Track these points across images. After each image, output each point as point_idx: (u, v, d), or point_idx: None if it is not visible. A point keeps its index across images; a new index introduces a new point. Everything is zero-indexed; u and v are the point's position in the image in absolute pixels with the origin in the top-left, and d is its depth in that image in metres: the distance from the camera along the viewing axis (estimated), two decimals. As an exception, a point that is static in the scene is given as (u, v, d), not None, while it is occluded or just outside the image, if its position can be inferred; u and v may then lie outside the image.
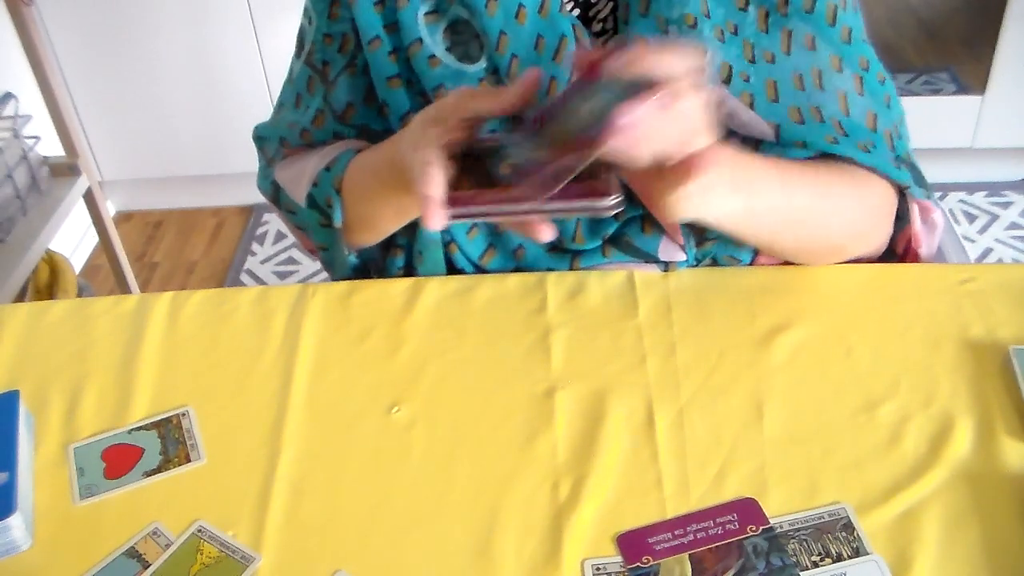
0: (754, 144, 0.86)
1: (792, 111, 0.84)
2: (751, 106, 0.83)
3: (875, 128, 0.85)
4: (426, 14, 0.87)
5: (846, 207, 0.85)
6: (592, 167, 0.65)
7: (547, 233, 0.70)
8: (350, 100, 0.91)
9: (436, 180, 0.68)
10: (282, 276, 2.35)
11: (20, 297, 1.75)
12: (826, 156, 0.84)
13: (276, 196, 0.98)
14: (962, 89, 2.32)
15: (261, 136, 1.00)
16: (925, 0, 2.36)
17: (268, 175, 0.99)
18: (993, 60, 2.21)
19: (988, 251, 2.22)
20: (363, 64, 0.90)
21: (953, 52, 2.36)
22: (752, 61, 0.84)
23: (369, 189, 0.87)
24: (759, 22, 0.84)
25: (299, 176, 0.94)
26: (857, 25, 0.86)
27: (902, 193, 0.88)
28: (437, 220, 0.68)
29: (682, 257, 0.89)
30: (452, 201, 0.68)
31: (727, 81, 0.83)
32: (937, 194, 2.44)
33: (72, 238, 2.40)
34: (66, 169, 1.92)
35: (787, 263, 0.92)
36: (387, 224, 0.90)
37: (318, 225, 0.93)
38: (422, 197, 0.68)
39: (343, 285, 0.91)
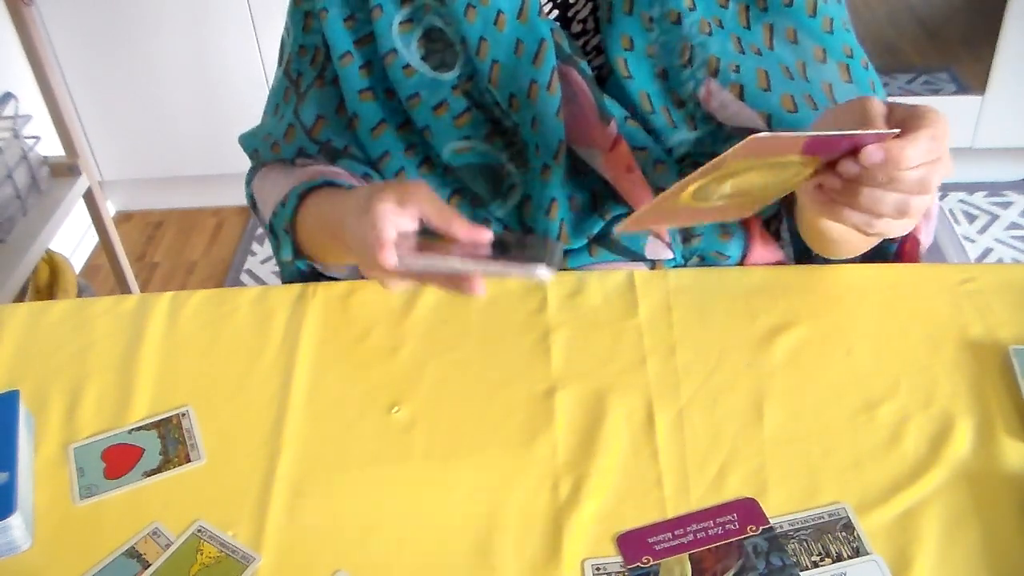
0: (746, 134, 0.86)
1: (785, 99, 0.84)
2: (740, 97, 0.84)
3: None
4: (400, 23, 0.88)
5: None
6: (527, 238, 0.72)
7: (480, 289, 0.73)
8: (320, 113, 0.92)
9: (390, 256, 0.72)
10: (282, 276, 2.35)
11: (20, 297, 1.75)
12: None
13: (254, 204, 1.00)
14: (962, 89, 2.32)
15: (242, 147, 1.02)
16: (925, 0, 2.36)
17: (250, 181, 1.02)
18: (993, 60, 2.21)
19: (988, 251, 2.22)
20: (332, 76, 0.91)
21: (953, 52, 2.36)
22: (741, 52, 0.85)
23: (324, 242, 0.88)
24: (740, 18, 0.85)
25: (266, 198, 0.96)
26: (839, 15, 0.87)
27: None
28: (398, 286, 0.74)
29: (669, 255, 0.89)
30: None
31: (715, 73, 0.84)
32: (937, 194, 2.45)
33: (72, 238, 2.40)
34: (66, 169, 1.91)
35: (781, 263, 0.92)
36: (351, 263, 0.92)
37: (275, 248, 0.94)
38: (380, 272, 0.73)
39: (343, 285, 0.91)
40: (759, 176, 0.68)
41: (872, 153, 0.63)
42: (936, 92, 2.33)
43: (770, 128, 0.84)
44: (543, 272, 0.70)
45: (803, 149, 0.65)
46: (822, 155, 0.67)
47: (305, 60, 0.92)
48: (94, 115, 2.38)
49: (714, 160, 0.64)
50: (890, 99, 0.72)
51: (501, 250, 0.73)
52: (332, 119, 0.91)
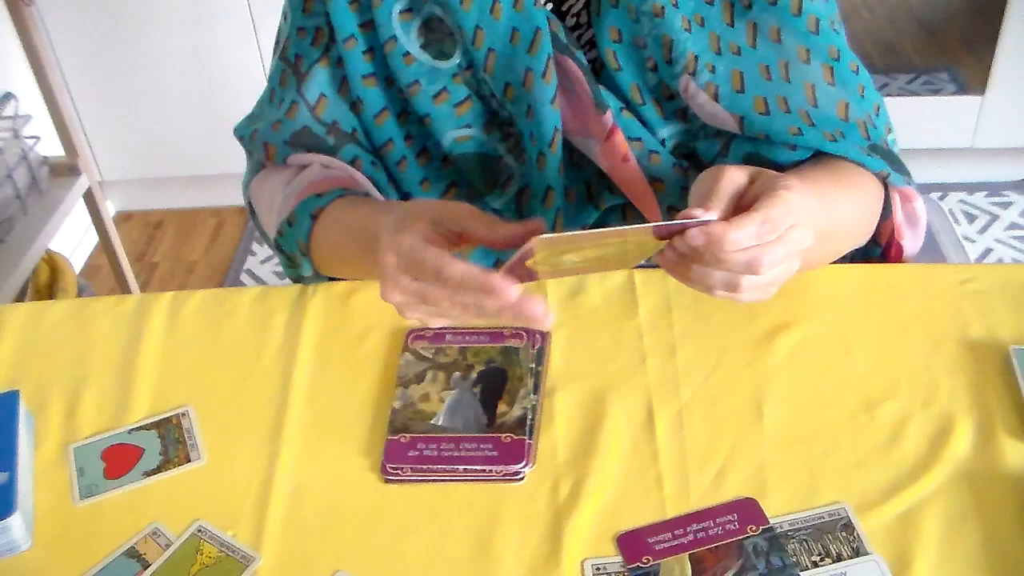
0: (725, 137, 0.86)
1: (758, 101, 0.84)
2: (715, 97, 0.84)
3: (847, 118, 0.85)
4: (400, 12, 0.88)
5: (861, 210, 0.84)
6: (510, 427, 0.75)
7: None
8: (323, 91, 0.91)
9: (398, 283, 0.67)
10: (282, 276, 2.35)
11: (20, 297, 1.75)
12: (821, 155, 0.84)
13: (252, 211, 0.98)
14: (962, 89, 2.32)
15: (241, 136, 0.99)
16: (925, 0, 2.36)
17: (247, 178, 0.99)
18: (993, 60, 2.21)
19: (988, 251, 2.22)
20: (336, 57, 0.91)
21: (953, 52, 2.36)
22: (719, 53, 0.85)
23: (350, 255, 0.83)
24: (724, 14, 0.85)
25: (267, 209, 0.93)
26: (826, 14, 0.87)
27: (885, 184, 0.88)
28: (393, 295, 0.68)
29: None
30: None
31: (694, 73, 0.84)
32: (937, 194, 2.45)
33: (72, 238, 2.40)
34: (66, 169, 1.91)
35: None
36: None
37: (287, 266, 0.92)
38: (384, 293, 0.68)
39: (343, 285, 0.91)
40: (609, 248, 0.68)
41: (693, 236, 0.65)
42: (936, 92, 2.33)
43: (742, 131, 0.84)
44: (525, 471, 0.73)
45: (653, 232, 0.66)
46: (663, 235, 0.67)
47: (305, 41, 0.92)
48: (94, 115, 2.38)
49: (520, 250, 0.64)
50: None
51: (490, 392, 0.77)
52: (334, 98, 0.91)
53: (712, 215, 0.65)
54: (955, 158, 2.41)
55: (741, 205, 0.67)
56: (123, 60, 2.30)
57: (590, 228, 0.91)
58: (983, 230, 2.29)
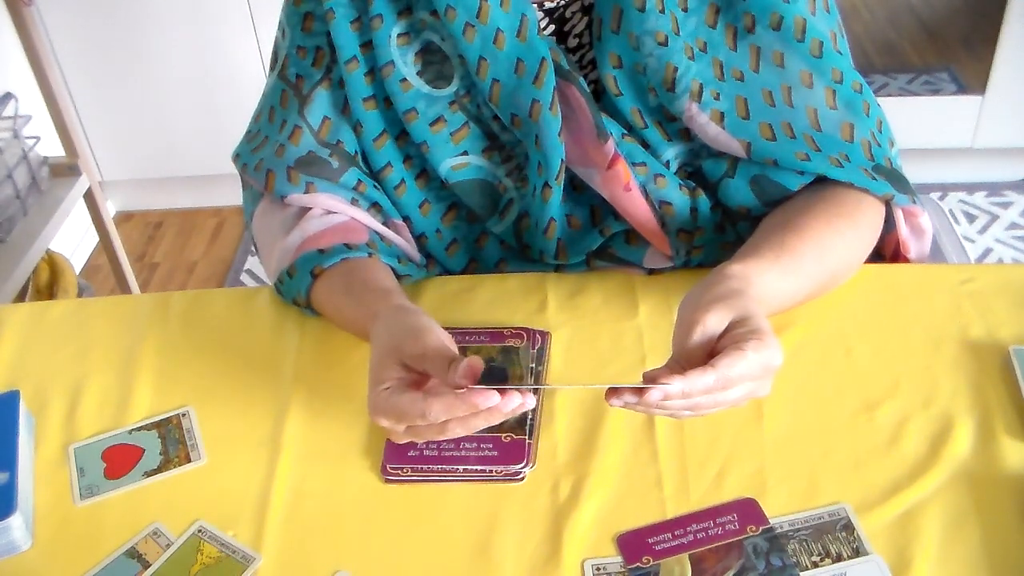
0: (731, 157, 0.85)
1: (763, 127, 0.83)
2: (721, 123, 0.83)
3: (851, 139, 0.85)
4: (399, 35, 0.87)
5: (846, 252, 0.84)
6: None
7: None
8: (326, 114, 0.90)
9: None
10: (282, 276, 2.34)
11: (20, 297, 1.75)
12: (821, 182, 0.84)
13: (255, 245, 0.97)
14: (962, 89, 2.32)
15: (244, 164, 0.95)
16: (925, 0, 2.36)
17: (248, 208, 0.98)
18: (993, 60, 2.21)
19: (988, 251, 2.22)
20: (338, 77, 0.89)
21: (953, 52, 2.36)
22: (722, 78, 0.84)
23: (347, 329, 0.84)
24: (727, 39, 0.84)
25: (267, 254, 0.92)
26: (828, 29, 0.85)
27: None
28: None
29: (668, 264, 0.89)
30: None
31: (697, 98, 0.83)
32: (936, 194, 2.45)
33: (72, 238, 2.40)
34: (66, 169, 1.91)
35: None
36: None
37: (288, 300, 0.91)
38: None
39: (343, 285, 0.91)
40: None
41: (652, 396, 0.64)
42: (936, 92, 2.33)
43: (749, 156, 0.84)
44: (525, 471, 0.74)
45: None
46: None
47: (306, 62, 0.90)
48: (94, 115, 2.38)
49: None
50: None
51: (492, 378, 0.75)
52: (337, 119, 0.90)
53: (671, 381, 0.64)
54: (955, 158, 2.41)
55: (715, 349, 0.66)
56: (123, 60, 2.30)
57: (591, 252, 0.91)
58: (983, 230, 2.29)
